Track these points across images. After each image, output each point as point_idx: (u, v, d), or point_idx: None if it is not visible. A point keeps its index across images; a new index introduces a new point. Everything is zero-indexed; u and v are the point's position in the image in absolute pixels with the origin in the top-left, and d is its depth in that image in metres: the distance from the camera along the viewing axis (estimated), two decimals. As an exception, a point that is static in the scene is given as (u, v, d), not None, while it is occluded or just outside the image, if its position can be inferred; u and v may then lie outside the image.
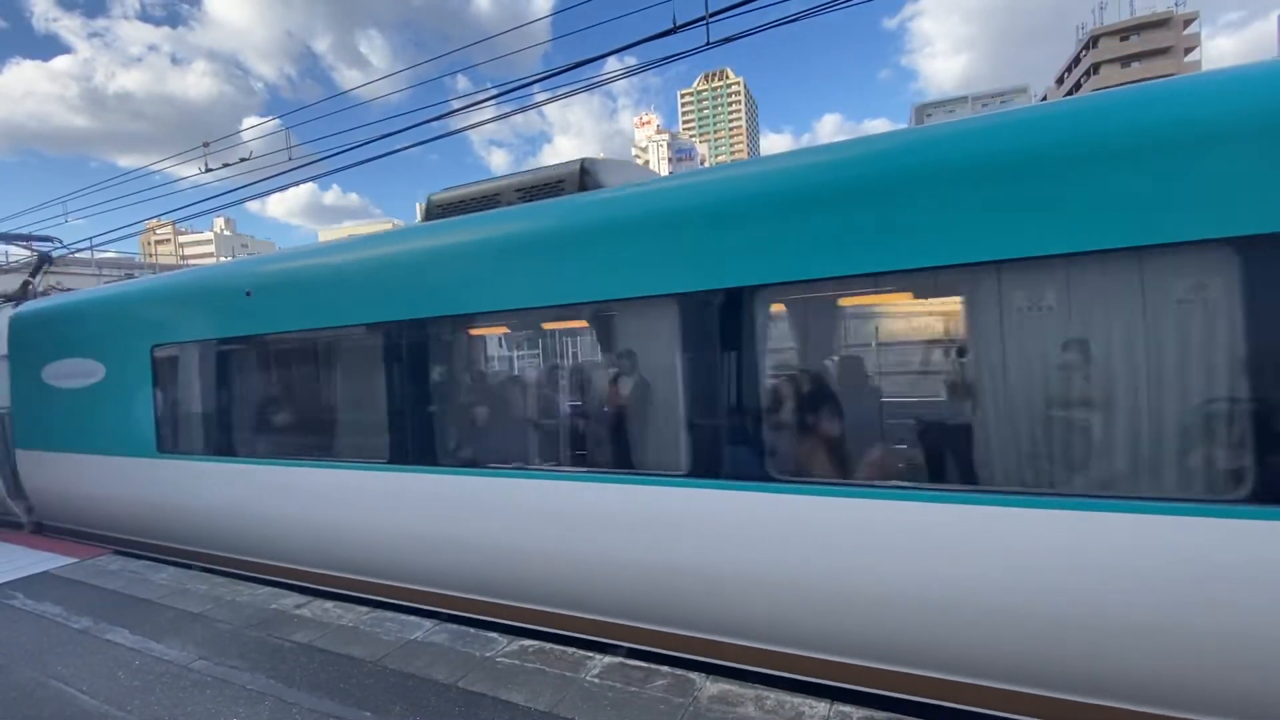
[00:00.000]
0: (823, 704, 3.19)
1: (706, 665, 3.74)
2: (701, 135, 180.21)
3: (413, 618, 4.57)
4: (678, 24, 6.61)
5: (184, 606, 5.05)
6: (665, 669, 3.64)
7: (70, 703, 3.71)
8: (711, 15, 6.47)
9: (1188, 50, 60.93)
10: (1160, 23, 61.46)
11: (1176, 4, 62.13)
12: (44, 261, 9.88)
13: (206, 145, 9.27)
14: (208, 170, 8.84)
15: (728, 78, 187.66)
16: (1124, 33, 62.56)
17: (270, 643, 4.30)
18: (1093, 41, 64.02)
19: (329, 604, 4.91)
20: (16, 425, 7.90)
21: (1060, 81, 72.42)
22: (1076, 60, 67.89)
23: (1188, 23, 61.34)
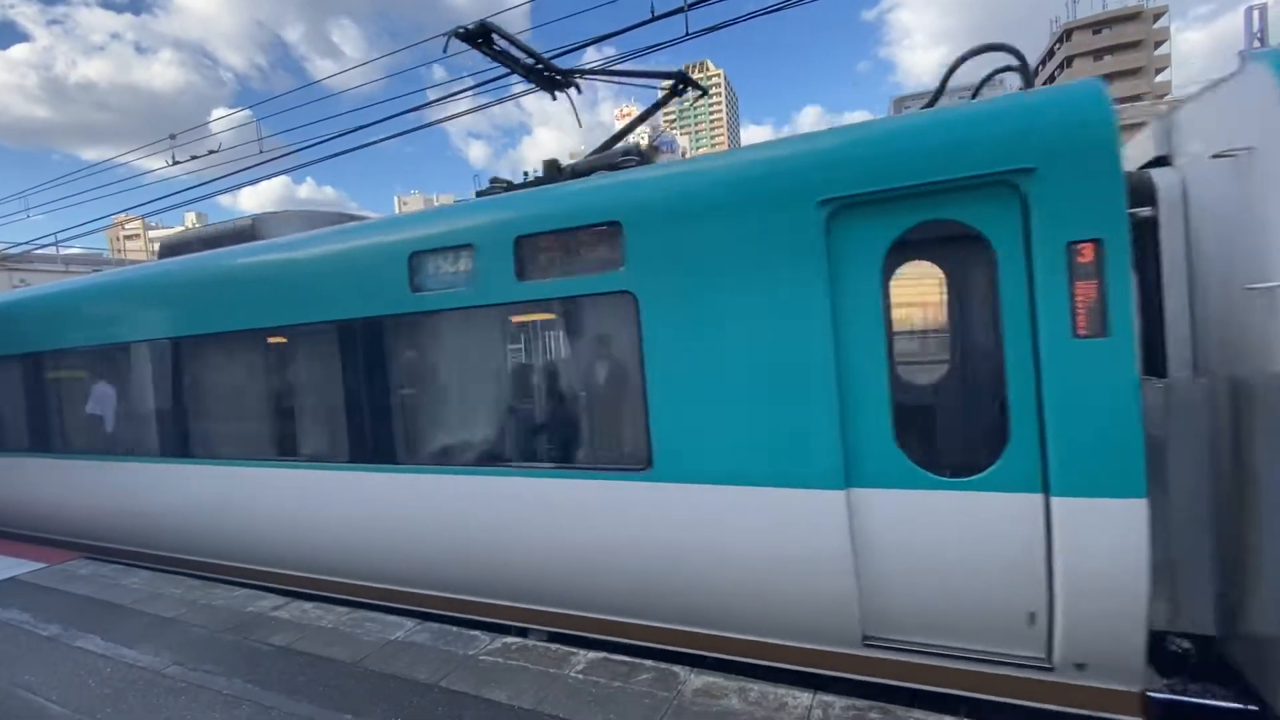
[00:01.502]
0: (806, 694, 3.21)
1: (692, 658, 3.74)
2: (682, 128, 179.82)
3: (393, 618, 4.51)
4: (656, 14, 6.56)
5: (157, 611, 4.93)
6: (649, 663, 3.64)
7: (39, 712, 3.60)
8: (690, 5, 6.43)
9: (1158, 44, 62.13)
10: (1131, 16, 62.53)
11: (1147, -2, 63.22)
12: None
13: (173, 138, 9.01)
14: (175, 163, 8.57)
15: (708, 70, 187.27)
16: (1096, 26, 63.56)
17: (247, 646, 4.22)
18: (1066, 35, 64.96)
19: (308, 605, 4.83)
20: None
21: (1036, 74, 73.30)
22: (1050, 53, 68.85)
23: (1157, 17, 62.49)
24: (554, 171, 4.88)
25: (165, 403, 5.99)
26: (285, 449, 5.43)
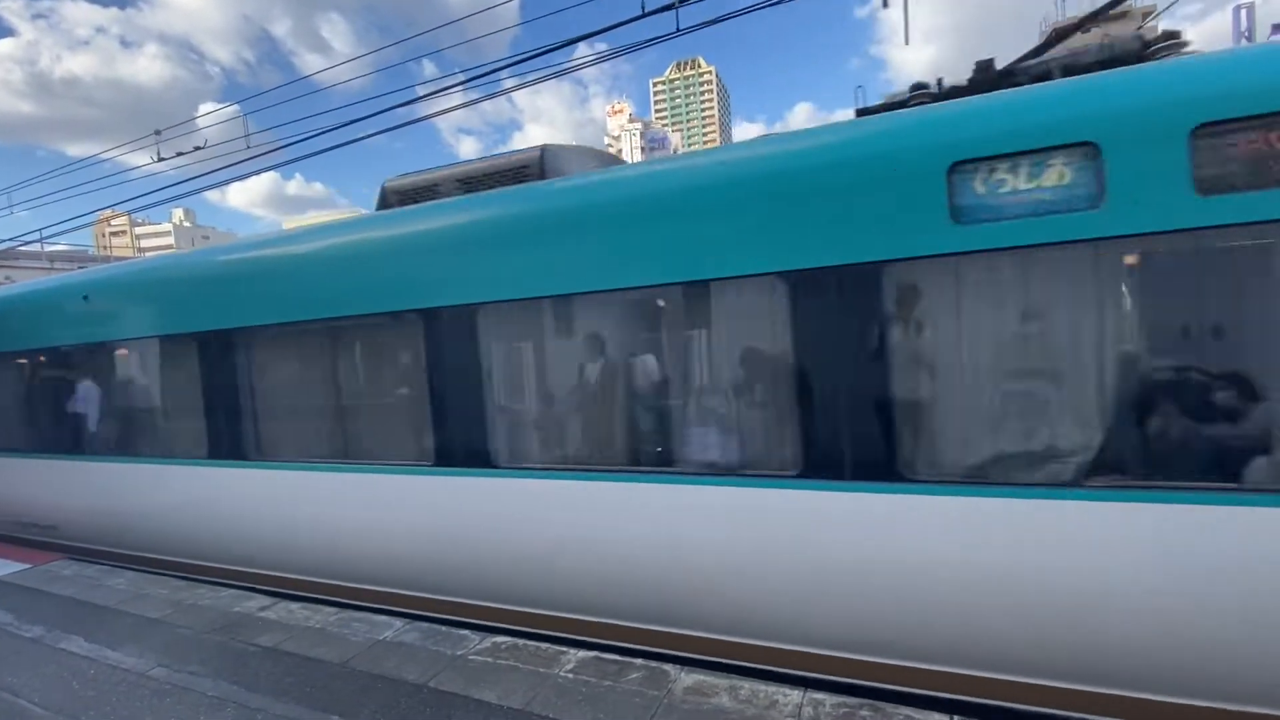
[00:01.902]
0: (796, 692, 3.21)
1: (682, 658, 3.74)
2: (674, 124, 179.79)
3: (382, 617, 4.48)
4: (646, 10, 6.53)
5: (142, 612, 4.88)
6: (639, 662, 3.63)
7: (22, 715, 3.55)
8: (681, 1, 6.40)
9: (1145, 43, 62.65)
10: (1119, 15, 63.00)
11: (1135, -3, 63.78)
12: None
13: (158, 133, 8.89)
14: (160, 159, 8.45)
15: (700, 67, 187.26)
16: (1085, 25, 63.97)
17: (233, 647, 4.18)
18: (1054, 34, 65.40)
19: (294, 605, 4.79)
20: None
21: (1024, 73, 73.78)
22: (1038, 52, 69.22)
23: (1146, 15, 62.99)
24: (992, 76, 3.56)
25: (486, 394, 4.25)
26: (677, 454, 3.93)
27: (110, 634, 4.52)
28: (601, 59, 7.91)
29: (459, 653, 3.88)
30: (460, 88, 8.50)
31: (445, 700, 3.37)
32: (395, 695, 3.45)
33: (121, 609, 4.97)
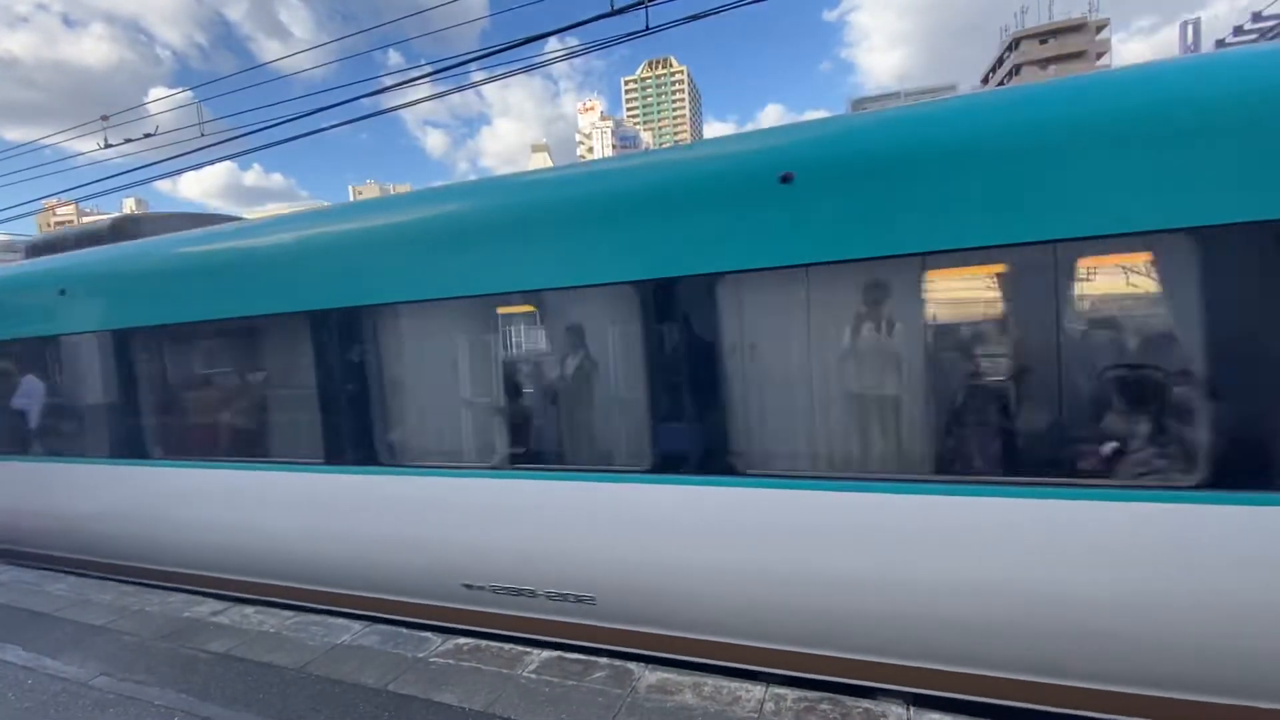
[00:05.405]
0: (758, 688, 3.24)
1: (646, 656, 3.74)
2: (646, 123, 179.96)
3: (340, 620, 4.38)
4: (616, 8, 6.50)
5: (84, 619, 4.67)
6: (604, 661, 3.62)
7: (-51, 730, 3.38)
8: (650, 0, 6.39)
9: (1099, 55, 64.96)
10: (1075, 27, 65.19)
11: (1090, 10, 66.06)
12: None
13: (105, 119, 8.49)
14: (107, 146, 8.06)
15: (671, 66, 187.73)
16: (1043, 36, 66.07)
17: (182, 654, 4.03)
18: (1015, 43, 67.34)
19: (249, 610, 4.65)
20: None
21: (986, 80, 75.86)
22: (1000, 61, 71.26)
23: (1100, 28, 65.32)
24: None
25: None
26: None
27: (50, 642, 4.31)
28: (571, 54, 7.85)
29: (420, 655, 3.81)
30: (427, 80, 8.36)
31: (405, 704, 3.30)
32: (352, 700, 3.37)
33: (62, 615, 4.75)
